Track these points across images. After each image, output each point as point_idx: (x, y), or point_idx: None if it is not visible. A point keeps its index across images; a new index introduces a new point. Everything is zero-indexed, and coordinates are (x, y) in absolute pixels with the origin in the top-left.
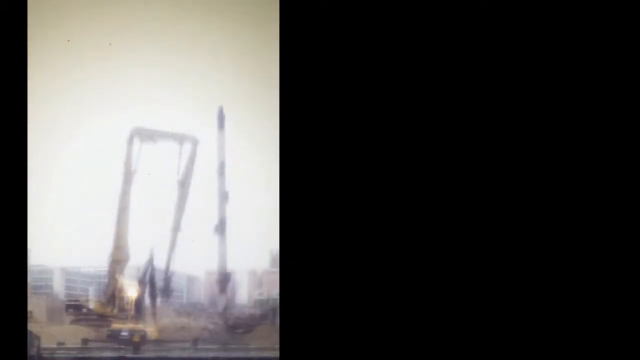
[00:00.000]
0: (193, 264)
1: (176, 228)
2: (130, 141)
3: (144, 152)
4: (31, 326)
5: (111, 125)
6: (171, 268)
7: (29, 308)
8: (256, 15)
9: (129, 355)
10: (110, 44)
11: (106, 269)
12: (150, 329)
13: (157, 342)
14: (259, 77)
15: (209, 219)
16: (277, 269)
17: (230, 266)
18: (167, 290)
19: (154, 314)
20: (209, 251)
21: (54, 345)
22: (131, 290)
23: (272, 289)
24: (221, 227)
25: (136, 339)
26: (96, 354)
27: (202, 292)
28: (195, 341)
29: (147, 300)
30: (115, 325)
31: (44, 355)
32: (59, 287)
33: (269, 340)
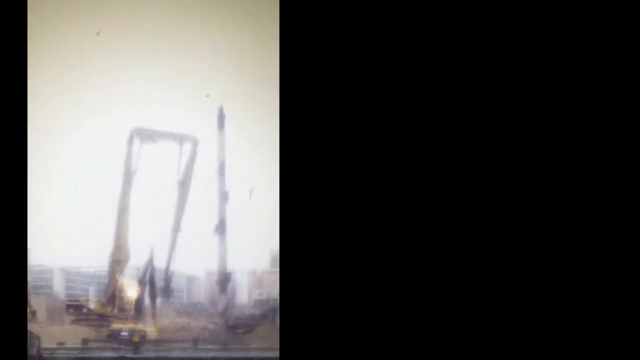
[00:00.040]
0: (193, 264)
1: (176, 228)
2: (130, 141)
3: (144, 152)
4: (31, 326)
5: (111, 125)
6: (171, 268)
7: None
8: (256, 15)
9: (129, 355)
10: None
11: (106, 269)
12: (150, 329)
13: (157, 342)
14: (259, 77)
15: (209, 219)
16: (277, 269)
17: (230, 266)
18: (167, 290)
19: (154, 314)
20: (209, 251)
21: (54, 345)
22: (131, 290)
23: (272, 289)
24: (221, 227)
25: (136, 339)
26: (96, 354)
27: (202, 292)
28: (195, 341)
29: (147, 300)
30: (116, 325)
31: (44, 355)
32: (59, 287)
33: (269, 340)
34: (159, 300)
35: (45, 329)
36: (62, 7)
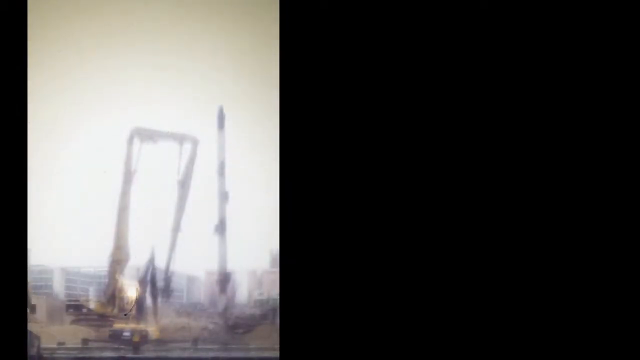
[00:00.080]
0: (193, 264)
1: (176, 228)
2: (130, 141)
3: (144, 152)
4: (31, 326)
5: (111, 125)
6: (171, 268)
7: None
8: (256, 15)
9: (129, 355)
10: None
11: (106, 269)
12: (150, 329)
13: (157, 342)
14: (259, 77)
15: (209, 219)
16: (277, 269)
17: (230, 266)
18: (167, 290)
19: (154, 314)
20: (209, 251)
21: (54, 345)
22: (131, 290)
23: (272, 289)
24: (221, 227)
25: (136, 339)
26: (96, 354)
27: (202, 292)
28: (195, 341)
29: (147, 300)
30: (116, 325)
31: (44, 355)
32: (59, 287)
33: (269, 340)
34: (159, 300)
35: (45, 329)
36: (62, 7)
